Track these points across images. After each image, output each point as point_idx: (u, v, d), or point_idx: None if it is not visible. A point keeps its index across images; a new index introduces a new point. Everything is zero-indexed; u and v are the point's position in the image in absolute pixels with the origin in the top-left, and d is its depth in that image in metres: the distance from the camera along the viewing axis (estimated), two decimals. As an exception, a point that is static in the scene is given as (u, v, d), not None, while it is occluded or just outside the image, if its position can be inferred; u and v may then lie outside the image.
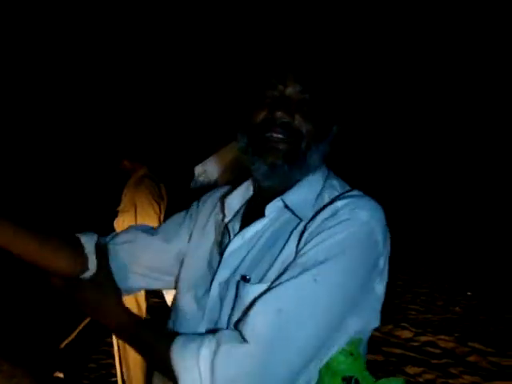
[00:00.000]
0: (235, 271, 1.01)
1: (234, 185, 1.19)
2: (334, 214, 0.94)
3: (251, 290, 0.95)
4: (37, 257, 1.05)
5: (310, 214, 0.99)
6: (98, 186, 7.59)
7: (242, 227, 1.07)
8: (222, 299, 1.00)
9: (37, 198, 7.60)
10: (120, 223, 3.23)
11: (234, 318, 0.95)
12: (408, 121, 10.88)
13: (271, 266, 0.97)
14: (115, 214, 3.28)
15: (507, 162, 9.96)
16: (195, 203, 1.25)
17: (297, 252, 0.94)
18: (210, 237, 1.14)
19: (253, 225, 1.03)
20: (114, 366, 3.27)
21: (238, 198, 1.13)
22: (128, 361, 3.22)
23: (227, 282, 1.01)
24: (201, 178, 2.53)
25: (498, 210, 9.44)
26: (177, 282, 1.16)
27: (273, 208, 1.02)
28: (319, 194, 1.03)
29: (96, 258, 1.12)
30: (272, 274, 0.95)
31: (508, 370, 3.95)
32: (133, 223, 3.15)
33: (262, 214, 1.03)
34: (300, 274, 0.89)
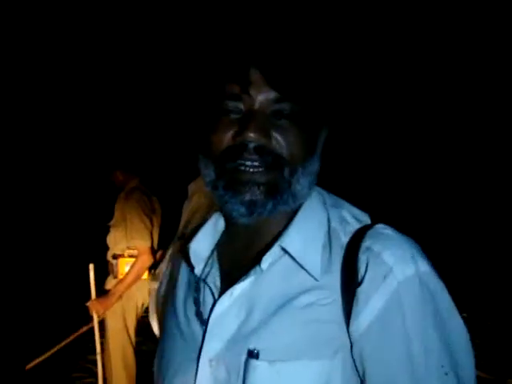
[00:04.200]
0: (232, 342, 0.75)
1: (200, 223, 0.91)
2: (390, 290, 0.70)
3: (272, 372, 0.71)
4: None
5: (319, 266, 0.75)
6: (92, 198, 7.46)
7: (223, 279, 0.81)
8: None
9: (28, 210, 7.47)
10: (112, 238, 3.13)
11: None
12: (406, 125, 10.80)
13: (289, 335, 0.73)
14: (108, 229, 3.17)
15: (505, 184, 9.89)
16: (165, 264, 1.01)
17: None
18: (179, 298, 0.87)
19: (245, 278, 0.76)
20: (96, 385, 3.11)
21: (205, 241, 0.85)
22: (113, 380, 3.08)
23: (222, 360, 0.75)
24: (195, 197, 2.42)
25: (493, 227, 9.38)
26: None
27: (270, 258, 0.77)
28: (328, 232, 0.79)
29: None
30: (294, 348, 0.72)
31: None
32: (123, 238, 3.05)
33: (246, 259, 0.79)
34: None
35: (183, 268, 0.89)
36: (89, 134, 6.94)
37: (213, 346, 0.76)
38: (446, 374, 0.69)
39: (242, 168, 0.74)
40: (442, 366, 0.69)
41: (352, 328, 0.71)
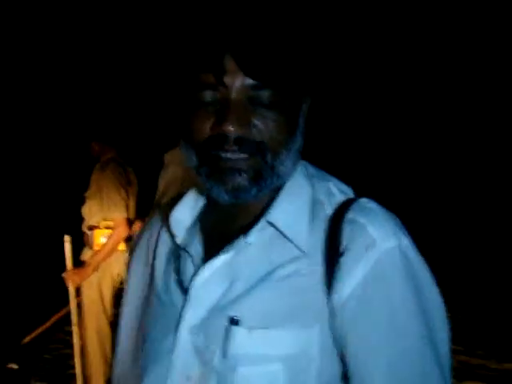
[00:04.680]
0: (213, 310, 0.75)
1: (181, 194, 0.89)
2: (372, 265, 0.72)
3: (251, 339, 0.72)
4: None
5: (304, 237, 0.75)
6: (66, 168, 7.38)
7: (205, 249, 0.80)
8: (198, 352, 0.74)
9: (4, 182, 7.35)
10: (87, 210, 3.10)
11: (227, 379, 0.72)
12: (405, 121, 10.82)
13: (269, 303, 0.73)
14: (83, 200, 3.13)
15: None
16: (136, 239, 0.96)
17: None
18: (160, 268, 0.85)
19: (228, 249, 0.76)
20: (71, 356, 3.10)
21: (186, 212, 0.84)
22: (88, 351, 3.09)
23: (204, 327, 0.75)
24: (171, 167, 2.41)
25: (489, 223, 9.47)
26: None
27: (256, 231, 0.76)
28: (313, 204, 0.79)
29: None
30: (274, 316, 0.72)
31: (477, 369, 3.94)
32: (99, 210, 3.03)
33: (229, 231, 0.79)
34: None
35: (162, 236, 0.88)
36: (65, 105, 6.83)
37: (193, 315, 0.75)
38: (425, 343, 0.71)
39: (224, 158, 0.73)
40: (422, 336, 0.71)
41: (333, 297, 0.72)
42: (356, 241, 0.73)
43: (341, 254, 0.72)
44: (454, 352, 0.76)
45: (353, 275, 0.71)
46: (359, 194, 0.83)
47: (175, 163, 2.41)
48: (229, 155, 0.72)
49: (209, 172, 0.75)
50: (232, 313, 0.73)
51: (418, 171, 10.66)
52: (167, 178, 2.47)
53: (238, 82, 0.72)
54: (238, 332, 0.72)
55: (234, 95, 0.72)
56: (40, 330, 3.15)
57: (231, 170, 0.73)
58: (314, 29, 0.82)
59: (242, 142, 0.72)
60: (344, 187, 0.83)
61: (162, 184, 2.49)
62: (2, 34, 7.35)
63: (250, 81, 0.71)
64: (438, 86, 10.43)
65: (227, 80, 0.71)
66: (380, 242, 0.72)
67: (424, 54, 9.69)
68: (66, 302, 3.03)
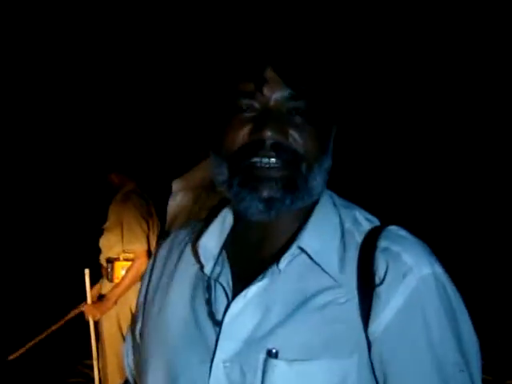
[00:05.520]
0: (248, 342, 0.74)
1: (205, 219, 0.89)
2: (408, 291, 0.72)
3: (291, 371, 0.70)
4: None
5: (337, 266, 0.75)
6: (83, 200, 7.42)
7: (235, 279, 0.79)
8: None
9: (20, 211, 7.43)
10: (105, 242, 3.09)
11: None
12: (410, 127, 10.77)
13: (307, 334, 0.72)
14: (101, 232, 3.13)
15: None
16: (149, 263, 0.94)
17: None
18: (184, 295, 0.83)
19: (261, 278, 0.75)
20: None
21: (214, 238, 0.83)
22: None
23: (238, 360, 0.73)
24: (179, 195, 2.37)
25: (495, 229, 9.36)
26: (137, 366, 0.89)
27: (288, 257, 0.75)
28: (342, 232, 0.78)
29: None
30: (312, 347, 0.71)
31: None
32: (119, 242, 3.02)
33: (259, 258, 0.78)
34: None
35: (186, 266, 0.86)
36: (85, 136, 6.92)
37: (228, 347, 0.74)
38: (462, 371, 0.71)
39: (258, 165, 0.73)
40: (458, 363, 0.72)
41: (372, 327, 0.72)
42: (392, 269, 0.73)
43: (378, 284, 0.73)
44: (483, 382, 0.76)
45: (391, 305, 0.72)
46: (382, 219, 0.84)
47: (184, 191, 2.36)
48: (264, 161, 0.73)
49: (242, 181, 0.75)
50: (269, 345, 0.72)
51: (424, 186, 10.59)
52: (175, 206, 2.43)
53: (277, 92, 0.74)
54: (278, 365, 0.71)
55: (272, 104, 0.75)
56: (28, 345, 3.10)
57: (266, 179, 0.74)
58: (348, 44, 0.85)
59: (278, 148, 0.73)
60: (369, 215, 0.83)
61: (170, 213, 2.44)
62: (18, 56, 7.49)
63: (288, 91, 0.74)
64: (454, 110, 10.41)
65: (267, 89, 0.74)
66: (416, 270, 0.73)
67: (432, 63, 9.71)
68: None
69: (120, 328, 3.06)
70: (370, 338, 0.72)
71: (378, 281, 0.73)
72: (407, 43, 9.32)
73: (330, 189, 0.87)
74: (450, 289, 0.75)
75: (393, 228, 0.79)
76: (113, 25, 7.06)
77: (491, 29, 8.99)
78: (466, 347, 0.73)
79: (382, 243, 0.75)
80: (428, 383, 0.71)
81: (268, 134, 0.72)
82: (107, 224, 3.10)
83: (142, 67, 7.72)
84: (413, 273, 0.72)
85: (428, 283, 0.73)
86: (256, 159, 0.73)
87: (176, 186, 2.36)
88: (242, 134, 0.75)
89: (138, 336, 0.91)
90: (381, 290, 0.72)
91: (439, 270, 0.75)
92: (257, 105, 0.75)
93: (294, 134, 0.74)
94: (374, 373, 0.73)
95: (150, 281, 0.91)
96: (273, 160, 0.73)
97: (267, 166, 0.73)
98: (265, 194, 0.73)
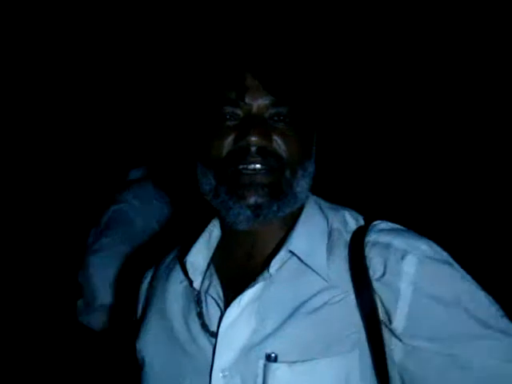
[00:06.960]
0: (246, 350, 0.74)
1: (187, 233, 0.90)
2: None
3: (293, 373, 0.70)
4: None
5: (325, 266, 0.75)
6: (83, 200, 7.38)
7: (226, 289, 0.80)
8: None
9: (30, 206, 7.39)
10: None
11: None
12: (403, 127, 10.70)
13: (305, 336, 0.72)
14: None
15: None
16: (140, 290, 0.95)
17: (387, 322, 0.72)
18: (176, 313, 0.84)
19: (253, 285, 0.75)
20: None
21: (201, 253, 0.84)
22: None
23: (237, 368, 0.73)
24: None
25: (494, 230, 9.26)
26: None
27: (279, 262, 0.76)
28: (330, 233, 0.79)
29: None
30: (311, 348, 0.71)
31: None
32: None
33: (248, 266, 0.79)
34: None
35: (175, 285, 0.86)
36: (85, 136, 6.93)
37: (226, 356, 0.74)
38: (502, 316, 0.71)
39: (244, 171, 0.74)
40: (497, 310, 0.71)
41: (394, 324, 0.72)
42: (389, 259, 0.73)
43: (377, 277, 0.73)
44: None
45: (402, 297, 0.71)
46: (369, 216, 0.84)
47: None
48: (251, 166, 0.74)
49: (228, 189, 0.76)
50: (268, 349, 0.72)
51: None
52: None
53: (258, 99, 0.75)
54: (279, 368, 0.71)
55: (255, 110, 0.75)
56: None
57: (252, 185, 0.74)
58: (328, 50, 0.87)
59: (264, 153, 0.74)
60: (357, 215, 0.84)
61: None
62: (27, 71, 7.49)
63: (270, 98, 0.75)
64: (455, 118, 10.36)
65: (249, 97, 0.75)
66: (411, 249, 0.73)
67: (426, 63, 9.67)
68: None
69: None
70: (396, 333, 0.72)
71: (374, 275, 0.73)
72: (399, 43, 9.28)
73: (329, 190, 0.88)
74: (446, 254, 0.76)
75: (378, 222, 0.80)
76: (108, 34, 7.07)
77: (491, 29, 8.97)
78: (489, 297, 0.74)
79: (370, 238, 0.76)
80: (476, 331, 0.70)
81: (252, 139, 0.74)
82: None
83: (126, 75, 7.74)
84: (410, 253, 0.73)
85: (429, 255, 0.73)
86: (242, 165, 0.74)
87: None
88: (227, 142, 0.76)
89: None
90: (384, 283, 0.73)
91: (433, 244, 0.76)
92: (240, 112, 0.76)
93: (277, 140, 0.76)
94: (376, 366, 0.73)
95: (139, 309, 0.93)
96: (258, 166, 0.75)
97: (254, 171, 0.74)
98: (251, 200, 0.75)
